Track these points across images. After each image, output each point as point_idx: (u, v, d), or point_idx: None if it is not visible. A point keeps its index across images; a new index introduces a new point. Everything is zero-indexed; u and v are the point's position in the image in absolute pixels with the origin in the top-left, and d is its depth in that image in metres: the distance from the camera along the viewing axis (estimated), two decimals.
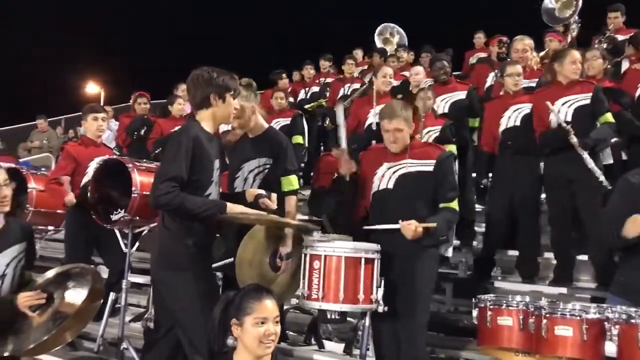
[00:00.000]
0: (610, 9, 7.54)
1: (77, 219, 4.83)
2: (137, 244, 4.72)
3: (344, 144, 3.89)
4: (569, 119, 4.71)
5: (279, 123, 6.94)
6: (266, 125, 4.03)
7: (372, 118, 5.90)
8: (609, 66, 5.85)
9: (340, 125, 4.05)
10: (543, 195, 5.23)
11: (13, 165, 5.90)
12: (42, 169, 6.02)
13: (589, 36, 7.47)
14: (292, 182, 3.88)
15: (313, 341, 4.44)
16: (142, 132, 7.33)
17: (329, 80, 9.45)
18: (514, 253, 5.45)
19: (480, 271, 5.37)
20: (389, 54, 9.46)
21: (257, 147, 3.91)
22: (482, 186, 5.47)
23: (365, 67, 9.59)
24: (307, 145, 7.69)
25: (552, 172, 4.88)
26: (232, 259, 3.59)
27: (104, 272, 4.81)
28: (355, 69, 9.25)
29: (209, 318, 2.58)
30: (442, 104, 6.19)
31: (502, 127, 5.20)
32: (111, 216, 4.34)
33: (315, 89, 9.36)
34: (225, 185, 3.86)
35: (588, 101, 4.75)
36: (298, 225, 3.57)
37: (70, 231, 5.00)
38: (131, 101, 7.99)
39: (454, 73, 6.88)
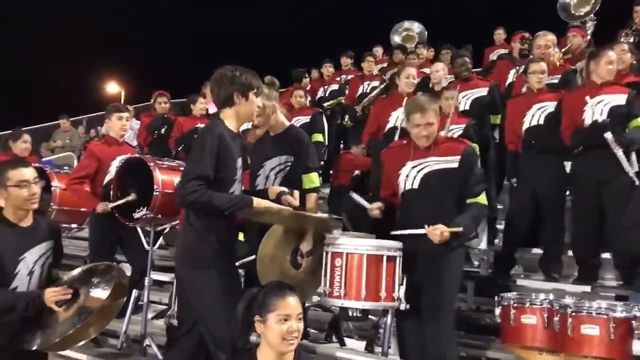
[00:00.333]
0: (636, 2, 7.42)
1: (101, 222, 4.84)
2: (159, 241, 4.77)
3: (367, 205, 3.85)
4: (605, 117, 4.65)
5: (299, 121, 6.91)
6: (287, 123, 4.02)
7: (393, 122, 5.76)
8: (633, 62, 5.76)
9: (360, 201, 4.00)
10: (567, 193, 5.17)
11: (37, 165, 5.97)
12: (65, 167, 6.10)
13: (614, 29, 7.34)
14: (313, 179, 3.87)
15: (334, 339, 4.44)
16: (163, 130, 7.40)
17: (350, 77, 9.43)
18: (536, 251, 5.42)
19: (500, 269, 5.33)
20: (408, 50, 9.42)
21: (278, 145, 3.91)
22: (515, 185, 5.39)
23: (385, 64, 9.55)
24: (326, 143, 7.67)
25: (580, 171, 4.82)
26: (254, 256, 3.61)
27: (127, 270, 4.84)
28: (375, 67, 9.22)
29: (232, 315, 2.60)
30: (464, 100, 6.16)
31: (525, 126, 5.16)
32: (133, 214, 4.38)
33: (335, 86, 9.31)
34: (247, 183, 3.87)
35: (623, 102, 4.71)
36: (320, 218, 3.55)
37: (95, 237, 5.00)
38: (152, 100, 8.07)
39: (473, 70, 6.82)
